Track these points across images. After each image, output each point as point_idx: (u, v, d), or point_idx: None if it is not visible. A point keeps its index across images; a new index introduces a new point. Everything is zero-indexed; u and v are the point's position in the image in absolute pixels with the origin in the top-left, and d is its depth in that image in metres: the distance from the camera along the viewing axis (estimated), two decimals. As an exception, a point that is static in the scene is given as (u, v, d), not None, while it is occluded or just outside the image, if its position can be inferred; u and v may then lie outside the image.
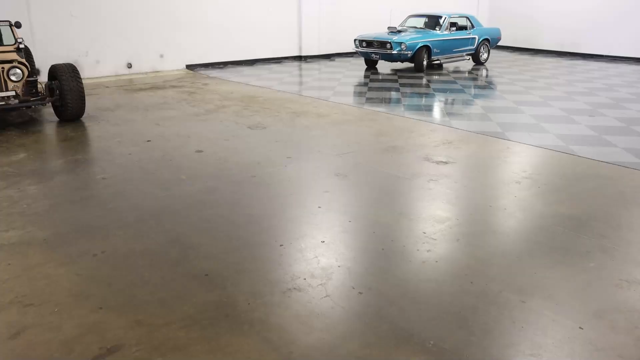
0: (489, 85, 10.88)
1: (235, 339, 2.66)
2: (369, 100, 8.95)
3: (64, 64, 7.10)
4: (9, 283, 3.17)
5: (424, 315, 2.87)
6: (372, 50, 12.14)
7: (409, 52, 11.65)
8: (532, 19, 17.05)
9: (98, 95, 9.13)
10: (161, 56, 11.80)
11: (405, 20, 13.39)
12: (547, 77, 11.73)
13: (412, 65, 12.44)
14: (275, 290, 3.10)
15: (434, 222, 4.05)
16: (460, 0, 17.62)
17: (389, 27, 12.65)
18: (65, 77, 6.89)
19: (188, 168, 5.31)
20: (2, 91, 6.56)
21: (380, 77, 11.69)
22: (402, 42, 11.59)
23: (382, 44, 11.85)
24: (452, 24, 12.70)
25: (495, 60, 14.76)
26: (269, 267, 3.37)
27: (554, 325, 2.79)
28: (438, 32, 12.43)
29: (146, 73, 11.58)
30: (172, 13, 11.67)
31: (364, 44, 12.30)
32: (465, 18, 13.27)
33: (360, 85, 10.59)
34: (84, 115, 7.35)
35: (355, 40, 12.52)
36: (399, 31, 12.35)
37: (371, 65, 12.93)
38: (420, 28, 12.82)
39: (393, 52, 11.70)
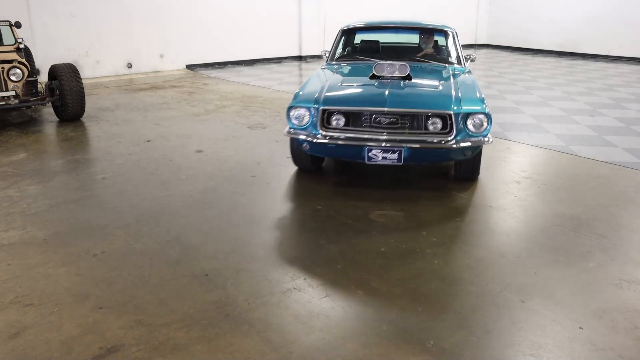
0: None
1: (235, 339, 2.66)
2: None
3: (64, 64, 7.10)
4: (9, 283, 3.17)
5: (424, 315, 2.87)
6: (373, 143, 4.30)
7: (489, 138, 4.47)
8: (533, 19, 17.04)
9: (98, 95, 9.13)
10: (161, 56, 11.81)
11: (339, 39, 6.17)
12: (547, 77, 11.73)
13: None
14: (275, 290, 3.10)
15: (434, 222, 4.05)
16: (460, 1, 17.63)
17: (377, 65, 4.78)
18: (65, 77, 6.90)
19: (188, 168, 5.31)
20: (2, 91, 6.57)
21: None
22: (479, 112, 4.38)
23: (418, 118, 4.39)
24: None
25: (495, 61, 14.76)
26: (269, 267, 3.37)
27: (554, 325, 2.79)
28: (461, 67, 5.68)
29: (146, 73, 11.58)
30: (172, 13, 11.67)
31: (344, 122, 4.47)
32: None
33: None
34: (84, 115, 7.35)
35: (313, 107, 4.53)
36: (405, 77, 4.71)
37: (318, 164, 5.24)
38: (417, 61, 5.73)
39: (452, 145, 4.28)
